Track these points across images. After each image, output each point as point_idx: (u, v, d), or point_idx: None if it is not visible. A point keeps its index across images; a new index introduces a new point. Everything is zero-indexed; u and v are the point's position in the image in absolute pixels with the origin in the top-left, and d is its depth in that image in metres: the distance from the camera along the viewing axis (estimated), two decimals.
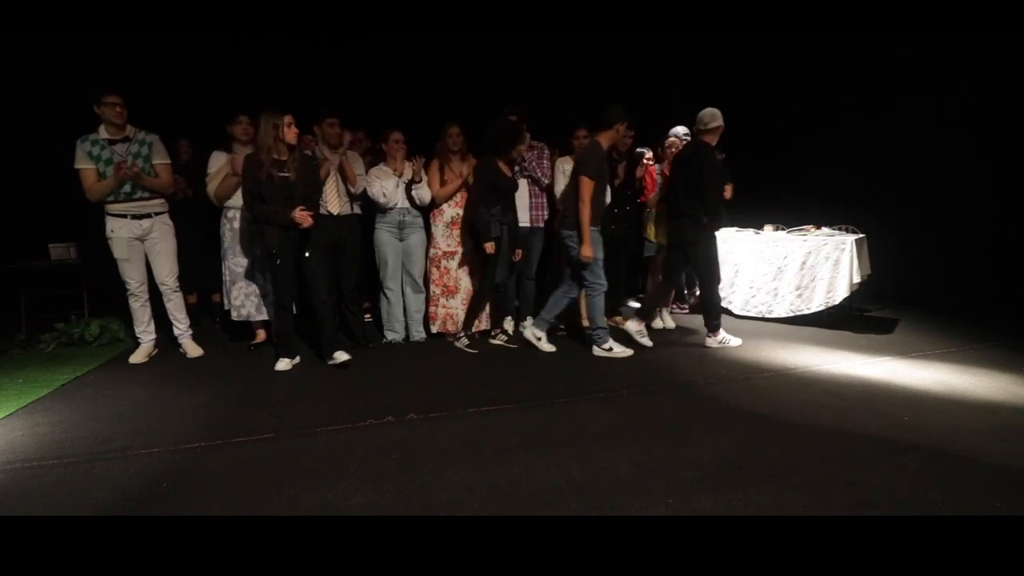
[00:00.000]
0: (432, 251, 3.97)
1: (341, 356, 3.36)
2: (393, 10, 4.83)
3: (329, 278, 3.71)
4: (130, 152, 3.29)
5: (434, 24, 4.96)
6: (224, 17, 4.53)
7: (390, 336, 3.98)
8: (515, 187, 3.80)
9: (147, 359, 3.54)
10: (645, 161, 4.32)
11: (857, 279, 4.16)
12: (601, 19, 5.10)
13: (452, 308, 3.98)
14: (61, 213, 4.71)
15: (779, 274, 4.52)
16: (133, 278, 3.42)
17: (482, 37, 5.15)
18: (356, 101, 4.54)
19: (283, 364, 3.35)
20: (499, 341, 3.96)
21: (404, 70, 5.41)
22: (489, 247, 3.63)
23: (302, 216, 3.10)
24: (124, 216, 3.33)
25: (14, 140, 4.66)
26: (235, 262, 3.63)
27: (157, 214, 3.44)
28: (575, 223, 3.46)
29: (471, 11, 4.88)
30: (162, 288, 3.54)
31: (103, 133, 3.23)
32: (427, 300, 4.03)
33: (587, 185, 3.35)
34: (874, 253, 4.54)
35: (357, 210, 3.79)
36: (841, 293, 4.20)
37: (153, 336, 3.60)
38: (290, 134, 3.08)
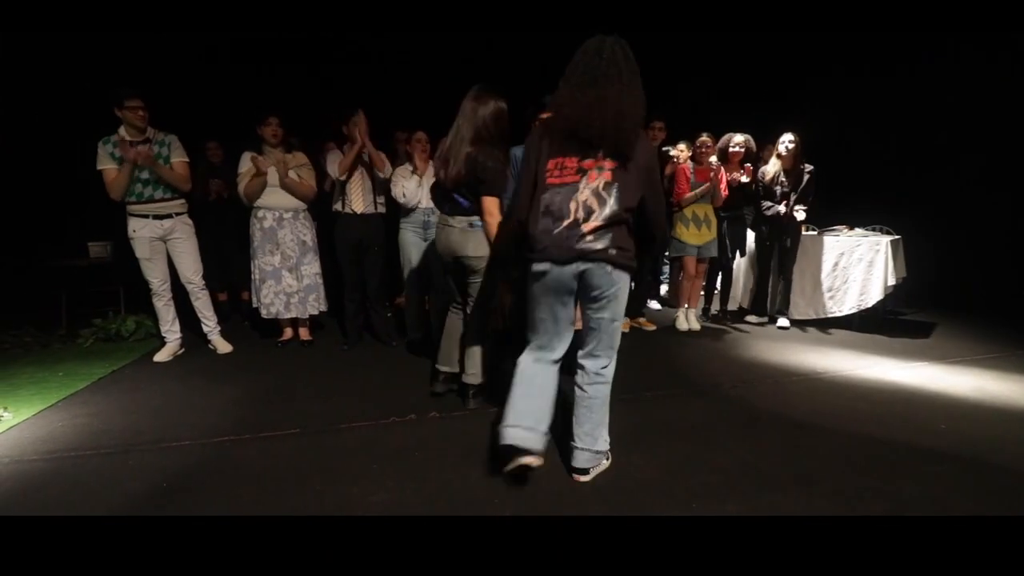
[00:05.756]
0: None
1: None
2: (418, 10, 4.89)
3: (354, 276, 3.80)
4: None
5: (457, 24, 5.00)
6: (253, 18, 4.64)
7: (413, 335, 4.01)
8: None
9: (171, 358, 3.61)
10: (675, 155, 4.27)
11: (892, 281, 4.04)
12: (619, 19, 5.07)
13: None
14: (99, 212, 4.89)
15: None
16: (156, 277, 3.50)
17: (504, 37, 5.17)
18: (381, 101, 4.59)
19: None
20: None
21: (427, 70, 5.46)
22: None
23: None
24: (146, 216, 3.40)
25: (54, 140, 4.84)
26: (264, 260, 3.70)
27: (178, 214, 3.50)
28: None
29: (494, 11, 4.90)
30: (188, 287, 3.62)
31: (123, 135, 3.30)
32: None
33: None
34: (910, 255, 4.40)
35: (381, 209, 3.83)
36: (874, 296, 4.08)
37: (178, 335, 3.68)
38: None
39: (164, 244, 3.51)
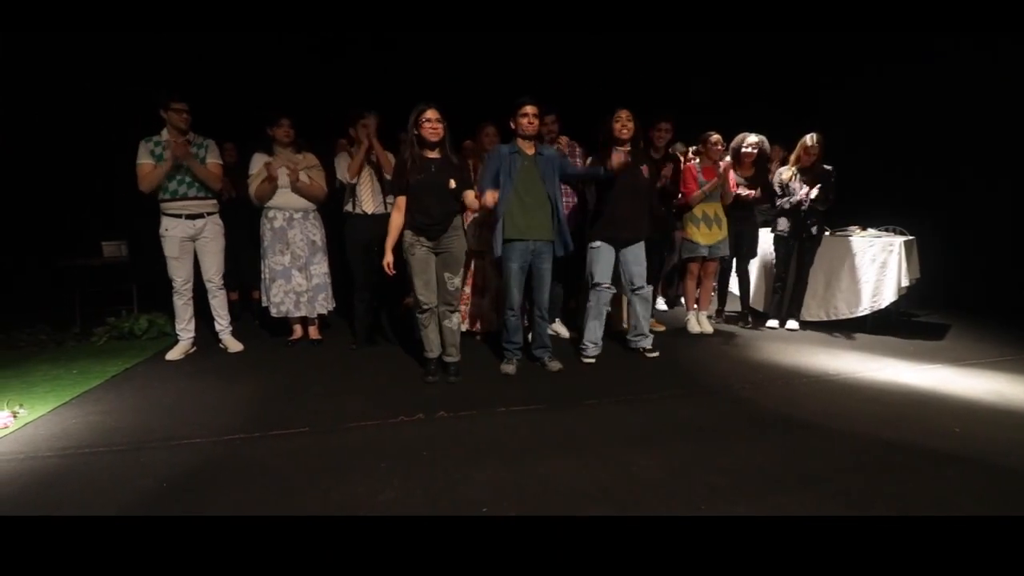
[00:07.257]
0: None
1: None
2: (428, 11, 4.90)
3: (364, 276, 3.81)
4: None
5: (466, 24, 5.01)
6: (268, 19, 4.68)
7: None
8: None
9: (183, 356, 3.66)
10: (686, 156, 4.24)
11: (905, 283, 3.98)
12: (623, 19, 5.08)
13: (479, 307, 4.00)
14: (112, 211, 4.97)
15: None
16: (180, 276, 3.56)
17: (512, 37, 5.17)
18: (395, 102, 4.61)
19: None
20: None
21: (437, 70, 5.47)
22: None
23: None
24: (179, 216, 3.49)
25: (67, 141, 4.91)
26: (275, 260, 3.74)
27: (209, 214, 3.59)
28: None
29: (500, 12, 4.91)
30: (208, 285, 3.69)
31: (166, 136, 3.41)
32: None
33: None
34: (924, 256, 4.34)
35: (391, 209, 3.83)
36: (888, 297, 4.03)
37: (192, 335, 3.73)
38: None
39: (193, 244, 3.58)
